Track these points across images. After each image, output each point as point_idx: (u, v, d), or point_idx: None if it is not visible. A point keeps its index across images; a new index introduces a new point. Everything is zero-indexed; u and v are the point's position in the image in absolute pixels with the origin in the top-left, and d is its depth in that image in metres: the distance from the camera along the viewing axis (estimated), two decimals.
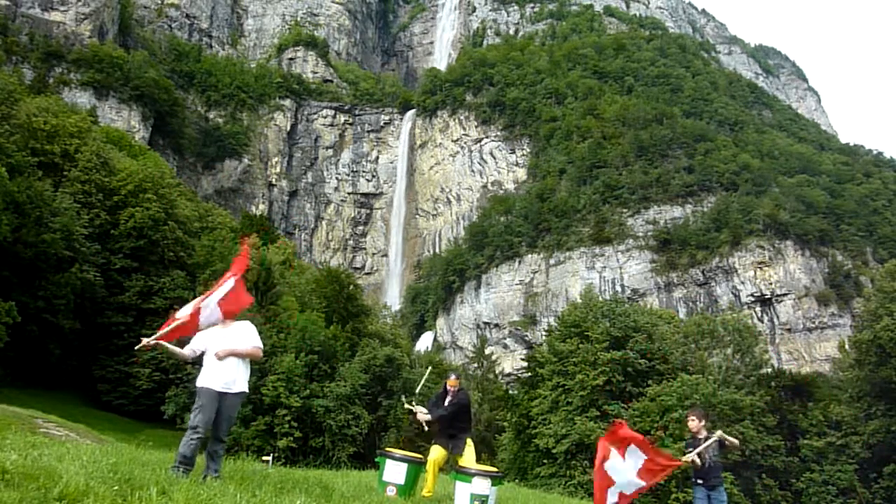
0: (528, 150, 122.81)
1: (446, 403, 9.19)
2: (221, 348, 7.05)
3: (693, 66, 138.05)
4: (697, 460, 8.35)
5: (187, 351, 7.15)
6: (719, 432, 8.24)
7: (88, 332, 41.67)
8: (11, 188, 36.61)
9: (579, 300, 45.27)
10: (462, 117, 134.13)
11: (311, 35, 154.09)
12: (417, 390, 9.86)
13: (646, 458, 8.10)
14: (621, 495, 8.12)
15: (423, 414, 9.13)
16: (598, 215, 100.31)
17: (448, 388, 9.28)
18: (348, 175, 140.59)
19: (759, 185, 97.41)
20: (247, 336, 7.29)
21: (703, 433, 8.53)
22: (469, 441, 9.15)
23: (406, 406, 10.04)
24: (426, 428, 9.36)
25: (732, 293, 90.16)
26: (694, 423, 8.64)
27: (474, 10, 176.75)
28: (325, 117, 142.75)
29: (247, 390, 7.29)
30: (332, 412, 33.23)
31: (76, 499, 4.53)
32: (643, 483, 8.11)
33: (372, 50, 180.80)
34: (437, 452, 9.04)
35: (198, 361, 7.30)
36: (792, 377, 42.39)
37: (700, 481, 8.41)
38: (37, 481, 4.64)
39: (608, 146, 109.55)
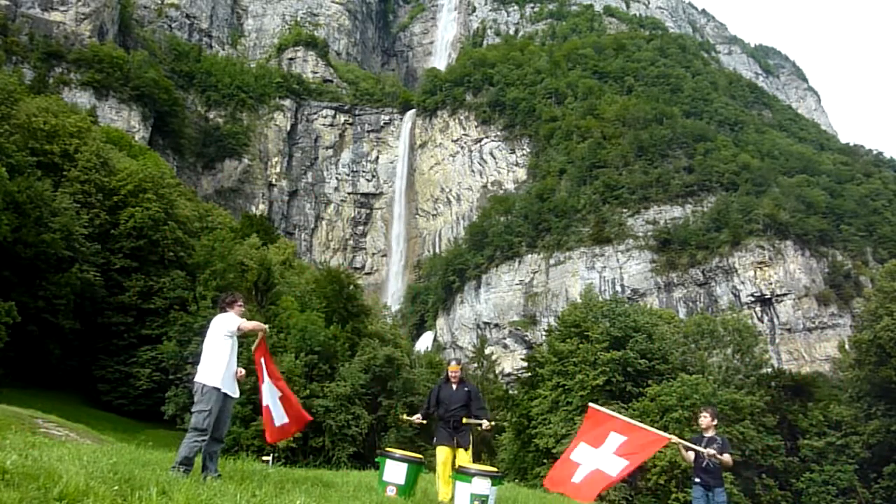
0: (528, 150, 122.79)
1: (452, 392, 8.58)
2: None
3: (693, 66, 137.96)
4: (690, 456, 8.41)
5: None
6: (710, 451, 8.23)
7: (88, 332, 41.64)
8: (11, 188, 36.60)
9: (579, 300, 45.28)
10: (462, 117, 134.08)
11: (311, 35, 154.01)
12: None
13: (625, 438, 7.65)
14: (599, 474, 7.55)
15: (417, 418, 9.11)
16: (598, 215, 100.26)
17: (450, 374, 8.71)
18: (348, 175, 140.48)
19: (759, 185, 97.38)
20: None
21: (712, 432, 8.60)
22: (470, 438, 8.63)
23: (403, 417, 10.17)
24: (423, 422, 9.22)
25: (732, 293, 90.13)
26: (706, 420, 8.67)
27: (474, 10, 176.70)
28: (325, 117, 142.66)
29: None
30: (332, 412, 33.24)
31: (76, 499, 4.53)
32: (627, 462, 7.58)
33: (372, 50, 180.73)
34: (443, 454, 8.53)
35: (197, 360, 7.32)
36: (792, 377, 42.38)
37: (698, 480, 8.45)
38: (37, 481, 4.64)
39: (608, 146, 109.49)
